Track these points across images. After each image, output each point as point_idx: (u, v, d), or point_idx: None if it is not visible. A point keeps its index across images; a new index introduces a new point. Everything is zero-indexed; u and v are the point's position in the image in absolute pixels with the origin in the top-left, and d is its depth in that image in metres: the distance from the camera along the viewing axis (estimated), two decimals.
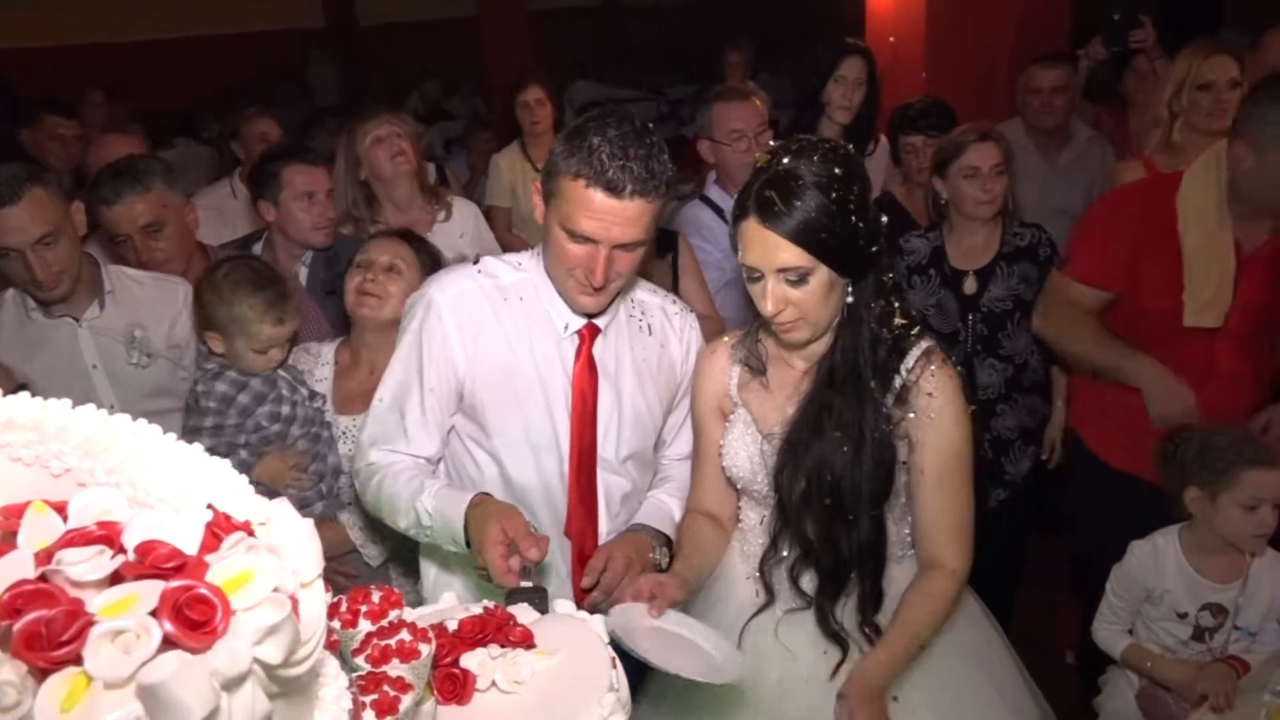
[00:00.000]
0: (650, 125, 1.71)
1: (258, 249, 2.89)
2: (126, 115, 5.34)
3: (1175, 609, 2.12)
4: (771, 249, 1.57)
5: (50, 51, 8.80)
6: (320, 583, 0.78)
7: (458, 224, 3.21)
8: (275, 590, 0.69)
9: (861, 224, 1.58)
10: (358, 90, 8.84)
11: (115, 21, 9.39)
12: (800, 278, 1.58)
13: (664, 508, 1.93)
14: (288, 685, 0.72)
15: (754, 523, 1.82)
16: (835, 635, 1.71)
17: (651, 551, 1.83)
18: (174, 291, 2.48)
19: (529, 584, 1.58)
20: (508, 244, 3.80)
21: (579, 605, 1.53)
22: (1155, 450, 2.22)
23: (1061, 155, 3.63)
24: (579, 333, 1.84)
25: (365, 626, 1.16)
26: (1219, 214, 2.34)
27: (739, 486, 1.81)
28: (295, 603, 0.72)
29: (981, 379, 2.80)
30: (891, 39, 4.63)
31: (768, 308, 1.60)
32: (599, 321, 1.85)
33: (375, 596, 1.21)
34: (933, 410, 1.64)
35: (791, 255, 1.56)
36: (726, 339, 1.86)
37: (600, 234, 1.66)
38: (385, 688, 1.04)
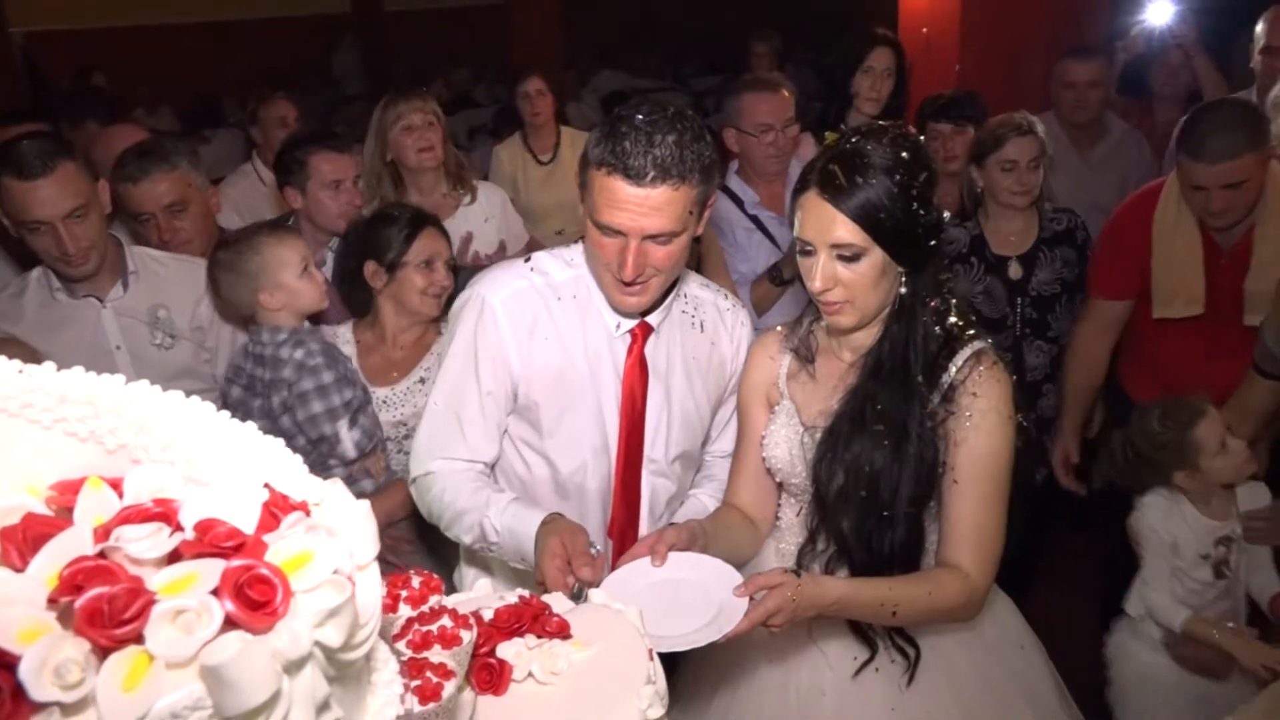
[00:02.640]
0: (689, 112, 1.66)
1: None
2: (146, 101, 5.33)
3: (1198, 552, 2.22)
4: (828, 223, 1.54)
5: (73, 35, 8.83)
6: (376, 566, 0.76)
7: (483, 208, 3.19)
8: (335, 572, 0.68)
9: (923, 212, 1.55)
10: (383, 77, 8.83)
11: (139, 5, 9.41)
12: (854, 256, 1.55)
13: (704, 511, 1.88)
14: (345, 669, 0.70)
15: (791, 519, 1.79)
16: (864, 635, 1.68)
17: None
18: (197, 272, 2.47)
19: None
20: None
21: None
22: (1104, 464, 2.38)
23: (1095, 150, 3.59)
24: (631, 331, 1.80)
25: (405, 612, 1.15)
26: (1178, 209, 2.51)
27: (778, 479, 1.78)
28: (353, 585, 0.71)
29: (1030, 360, 2.87)
30: (925, 30, 4.59)
31: (816, 284, 1.57)
32: (652, 320, 1.81)
33: (415, 581, 1.19)
34: (975, 411, 1.60)
35: (847, 232, 1.53)
36: (780, 328, 1.83)
37: (627, 225, 1.60)
38: (429, 674, 1.02)
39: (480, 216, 3.18)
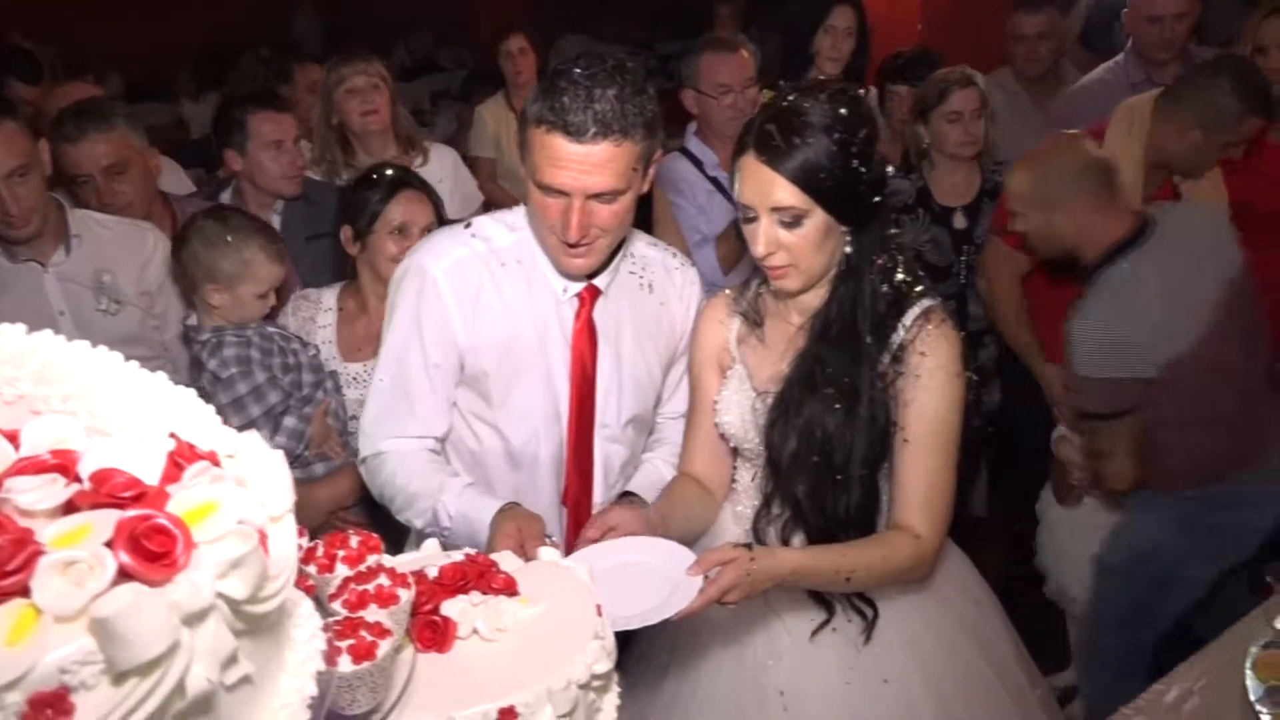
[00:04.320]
0: (630, 64, 1.61)
1: (225, 198, 2.82)
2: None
3: None
4: (767, 186, 1.51)
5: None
6: (291, 518, 0.73)
7: (435, 170, 3.13)
8: (241, 523, 0.65)
9: (864, 170, 1.51)
10: (344, 42, 8.64)
11: None
12: (795, 219, 1.52)
13: (659, 476, 1.86)
14: (255, 623, 0.68)
15: (746, 482, 1.77)
16: (820, 598, 1.67)
17: None
18: (142, 236, 2.41)
19: None
20: (491, 195, 3.75)
21: None
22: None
23: (1052, 101, 3.58)
24: (579, 295, 1.76)
25: (342, 571, 1.12)
26: (1135, 168, 2.51)
27: (732, 444, 1.76)
28: (264, 537, 0.68)
29: (973, 310, 2.95)
30: None
31: (759, 249, 1.54)
32: (599, 282, 1.77)
33: (353, 541, 1.16)
34: (923, 370, 1.58)
35: (787, 194, 1.50)
36: (728, 291, 1.80)
37: (569, 184, 1.56)
38: (362, 633, 1.00)
39: (433, 178, 3.11)
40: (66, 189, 2.54)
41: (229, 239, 2.18)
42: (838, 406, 1.59)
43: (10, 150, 2.15)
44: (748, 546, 1.50)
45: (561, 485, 1.83)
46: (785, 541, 1.68)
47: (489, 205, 3.18)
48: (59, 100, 2.98)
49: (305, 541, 1.20)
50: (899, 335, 1.59)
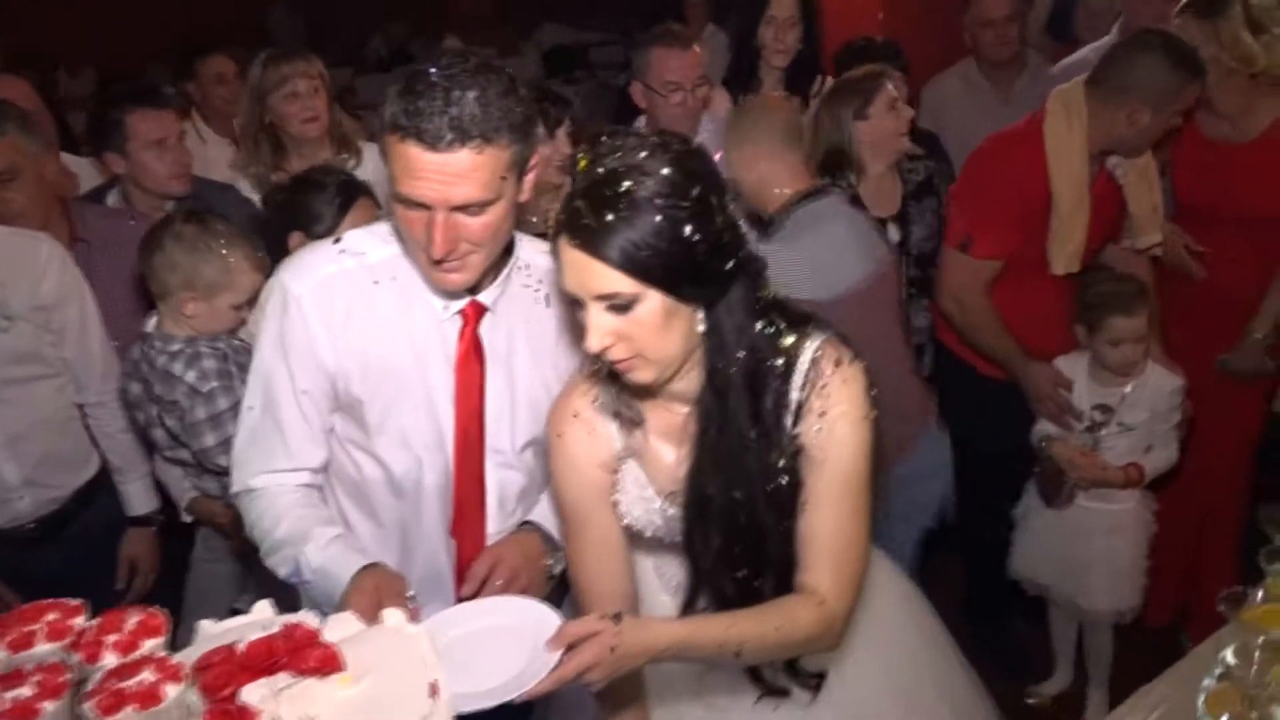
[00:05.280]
0: (497, 63, 1.46)
1: (111, 201, 2.67)
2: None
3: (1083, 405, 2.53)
4: (584, 273, 1.27)
5: None
6: None
7: (369, 169, 2.97)
8: None
9: (699, 238, 1.27)
10: (318, 34, 8.50)
11: None
12: (626, 304, 1.28)
13: None
14: None
15: (670, 553, 1.58)
16: (762, 680, 1.51)
17: (543, 557, 1.65)
18: (34, 248, 2.25)
19: None
20: None
21: None
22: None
23: (1015, 85, 3.44)
24: (462, 312, 1.61)
25: (109, 661, 0.98)
26: (1083, 160, 2.40)
27: (646, 534, 1.56)
28: None
29: (916, 322, 2.79)
30: None
31: (593, 343, 1.32)
32: (484, 298, 1.61)
33: (131, 621, 1.02)
34: (824, 423, 1.39)
35: (609, 280, 1.26)
36: (581, 385, 1.49)
37: (429, 196, 1.41)
38: None
39: (367, 177, 2.97)
40: None
41: (212, 245, 2.09)
42: (753, 494, 1.40)
43: None
44: (615, 618, 1.30)
45: (449, 515, 1.70)
46: None
47: None
48: None
49: (81, 621, 1.07)
50: (794, 395, 1.39)
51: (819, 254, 2.25)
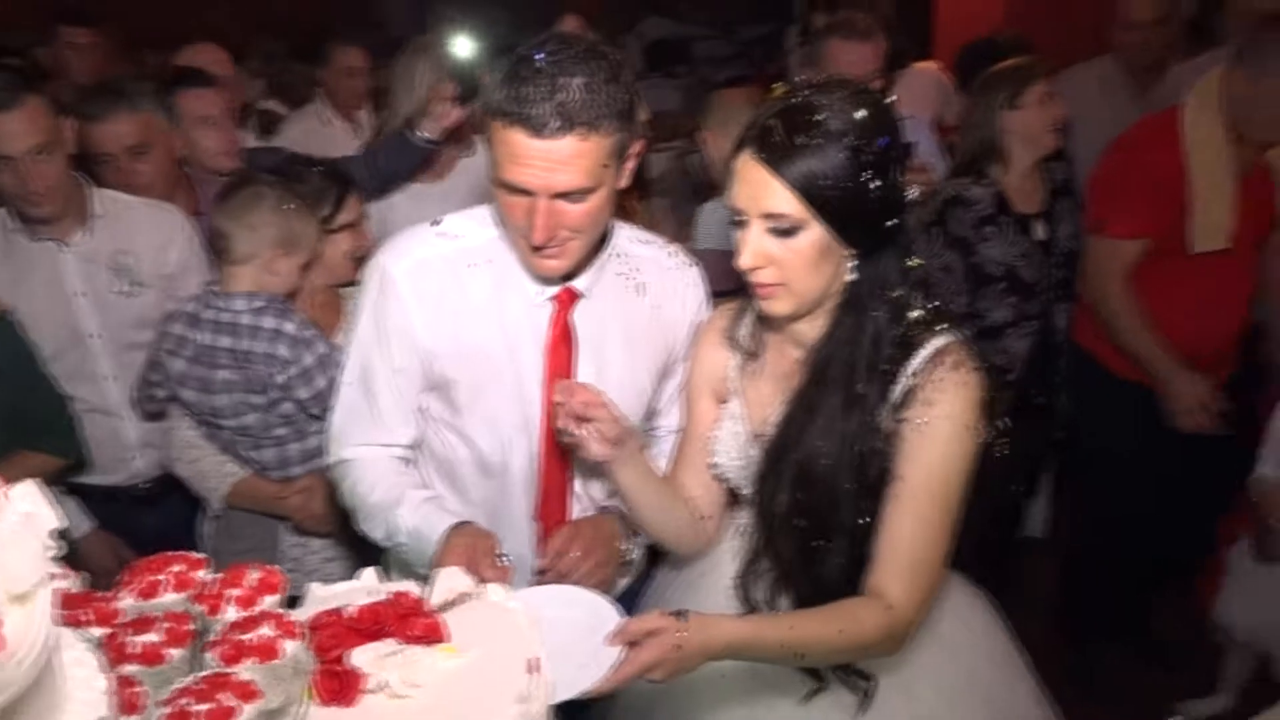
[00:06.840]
0: (604, 49, 1.44)
1: None
2: None
3: None
4: (762, 189, 1.32)
5: None
6: (45, 591, 0.62)
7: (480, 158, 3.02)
8: None
9: (876, 185, 1.31)
10: (427, 17, 8.63)
11: None
12: (789, 229, 1.32)
13: None
14: None
15: (746, 523, 1.59)
16: (808, 668, 1.48)
17: (618, 540, 1.66)
18: (167, 218, 2.37)
19: None
20: None
21: None
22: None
23: (1156, 89, 3.29)
24: (555, 298, 1.62)
25: (230, 615, 1.02)
26: (1221, 139, 2.39)
27: (730, 486, 1.59)
28: None
29: (1058, 322, 2.74)
30: None
31: (744, 260, 1.36)
32: (579, 284, 1.62)
33: (252, 577, 1.06)
34: (929, 417, 1.36)
35: (783, 200, 1.31)
36: (728, 309, 1.61)
37: (532, 183, 1.41)
38: (221, 696, 0.89)
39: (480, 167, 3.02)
40: (88, 168, 2.52)
41: (293, 205, 2.11)
42: (831, 462, 1.39)
43: (33, 126, 2.13)
44: (679, 615, 1.29)
45: (535, 499, 1.71)
46: (772, 603, 1.50)
47: None
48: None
49: (204, 574, 1.11)
50: (904, 381, 1.38)
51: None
